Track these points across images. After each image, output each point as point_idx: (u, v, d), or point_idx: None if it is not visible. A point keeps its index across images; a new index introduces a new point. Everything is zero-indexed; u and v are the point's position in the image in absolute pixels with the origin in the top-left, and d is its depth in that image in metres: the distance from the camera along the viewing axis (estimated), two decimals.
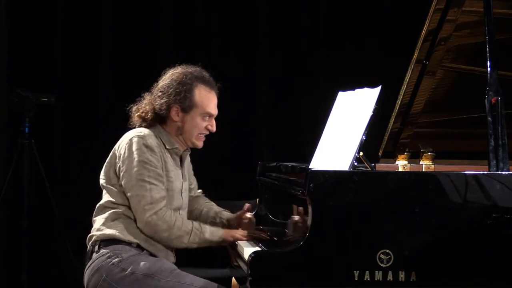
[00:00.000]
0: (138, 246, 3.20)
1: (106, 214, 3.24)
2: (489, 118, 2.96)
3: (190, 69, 3.37)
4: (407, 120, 3.59)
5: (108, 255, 3.16)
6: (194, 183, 3.61)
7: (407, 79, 3.47)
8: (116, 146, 3.30)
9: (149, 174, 3.18)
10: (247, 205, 3.47)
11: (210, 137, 3.45)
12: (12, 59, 4.99)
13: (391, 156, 3.69)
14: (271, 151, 5.19)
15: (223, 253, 3.50)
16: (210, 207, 3.60)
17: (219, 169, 5.14)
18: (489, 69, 3.02)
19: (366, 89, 3.09)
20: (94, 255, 3.20)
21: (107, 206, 3.26)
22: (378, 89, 3.00)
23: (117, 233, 3.19)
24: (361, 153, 2.93)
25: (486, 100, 2.98)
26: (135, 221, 3.21)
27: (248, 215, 3.46)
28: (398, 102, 3.53)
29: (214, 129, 3.37)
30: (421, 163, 3.61)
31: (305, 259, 2.72)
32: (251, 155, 4.94)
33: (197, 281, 3.12)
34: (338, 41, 5.24)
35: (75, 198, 4.94)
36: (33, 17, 5.04)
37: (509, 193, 2.83)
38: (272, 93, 5.25)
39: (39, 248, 4.88)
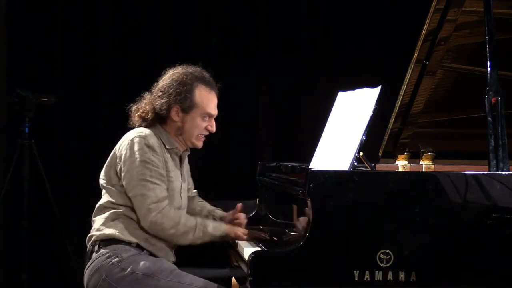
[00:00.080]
0: (138, 246, 3.20)
1: (106, 214, 3.24)
2: (489, 118, 2.96)
3: (190, 69, 3.37)
4: (407, 120, 3.59)
5: (108, 255, 3.16)
6: (191, 184, 3.61)
7: (407, 79, 3.47)
8: (117, 147, 3.30)
9: (152, 174, 3.18)
10: (239, 205, 3.47)
11: (210, 137, 3.45)
12: (12, 59, 4.99)
13: (391, 156, 3.69)
14: (271, 151, 5.19)
15: (223, 253, 3.50)
16: (203, 206, 3.61)
17: (219, 169, 5.14)
18: (489, 69, 3.02)
19: (366, 89, 3.09)
20: (94, 255, 3.20)
21: (106, 206, 3.26)
22: (378, 89, 3.00)
23: (116, 233, 3.19)
24: (361, 153, 2.93)
25: (486, 100, 2.98)
26: (135, 221, 3.21)
27: (241, 215, 3.44)
28: (398, 102, 3.53)
29: (214, 129, 3.37)
30: (421, 163, 3.61)
31: (305, 259, 2.72)
32: (251, 155, 4.94)
33: (197, 281, 3.11)
34: (338, 41, 5.24)
35: (75, 198, 4.94)
36: (33, 17, 5.04)
37: (509, 193, 2.83)
38: (272, 93, 5.25)
39: (39, 248, 4.88)
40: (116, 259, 3.14)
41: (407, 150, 3.66)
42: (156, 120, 3.32)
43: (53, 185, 4.81)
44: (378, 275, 2.72)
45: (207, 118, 3.34)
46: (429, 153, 3.59)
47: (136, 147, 3.20)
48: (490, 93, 2.98)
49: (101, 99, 5.10)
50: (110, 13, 5.12)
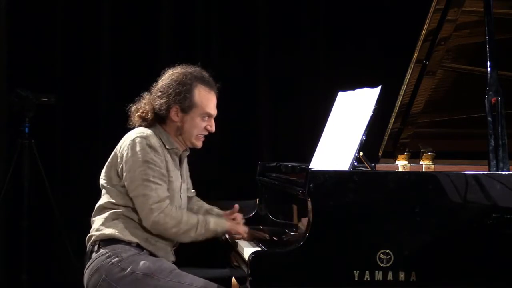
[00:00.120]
0: (138, 246, 3.20)
1: (105, 214, 3.24)
2: (489, 118, 2.96)
3: (189, 69, 3.37)
4: (407, 120, 3.59)
5: (107, 254, 3.16)
6: (190, 184, 3.61)
7: (407, 79, 3.47)
8: (117, 147, 3.30)
9: (154, 174, 3.18)
10: (235, 206, 3.46)
11: (210, 137, 3.45)
12: (12, 59, 4.99)
13: (391, 156, 3.69)
14: (271, 151, 5.19)
15: (223, 253, 3.50)
16: (201, 205, 3.60)
17: (219, 169, 5.14)
18: (489, 69, 3.02)
19: (366, 89, 3.09)
20: (94, 254, 3.20)
21: (106, 207, 3.26)
22: (378, 89, 3.00)
23: (116, 233, 3.19)
24: (361, 153, 2.93)
25: (486, 100, 2.98)
26: (134, 221, 3.21)
27: (238, 215, 3.44)
28: (398, 102, 3.53)
29: (213, 129, 3.36)
30: (421, 163, 3.61)
31: (305, 259, 2.72)
32: (251, 155, 4.94)
33: (197, 281, 3.11)
34: (338, 41, 5.24)
35: (75, 198, 4.94)
36: (33, 17, 5.04)
37: (509, 193, 2.83)
38: (272, 93, 5.26)
39: (39, 248, 4.88)
40: (116, 259, 3.14)
41: (407, 150, 3.66)
42: (156, 120, 3.32)
43: (53, 185, 4.82)
44: (378, 275, 2.72)
45: (207, 118, 3.34)
46: (429, 153, 3.59)
47: (138, 148, 3.20)
48: (490, 93, 2.98)
49: (101, 99, 5.10)
50: (110, 13, 5.12)
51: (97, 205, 3.31)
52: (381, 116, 3.10)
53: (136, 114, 3.33)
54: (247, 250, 2.99)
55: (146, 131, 3.26)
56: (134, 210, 3.21)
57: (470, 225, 2.80)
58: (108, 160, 3.31)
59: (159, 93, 3.30)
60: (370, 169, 3.05)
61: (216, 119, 3.39)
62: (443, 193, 2.79)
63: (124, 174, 3.20)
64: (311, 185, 2.74)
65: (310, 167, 3.16)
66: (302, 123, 5.17)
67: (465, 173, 2.85)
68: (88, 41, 5.09)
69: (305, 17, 5.30)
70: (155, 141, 3.23)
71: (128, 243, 3.19)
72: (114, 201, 3.24)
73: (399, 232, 2.76)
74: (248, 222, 3.44)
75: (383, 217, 2.77)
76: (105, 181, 3.29)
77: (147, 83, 3.40)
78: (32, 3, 5.04)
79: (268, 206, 3.64)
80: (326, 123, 3.32)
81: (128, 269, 3.10)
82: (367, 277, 2.72)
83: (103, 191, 3.30)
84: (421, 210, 2.77)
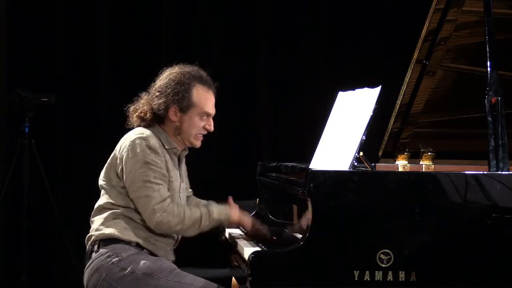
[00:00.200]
0: (138, 245, 3.20)
1: (105, 214, 3.24)
2: (489, 118, 2.96)
3: (187, 68, 3.36)
4: (407, 120, 3.60)
5: (107, 254, 3.16)
6: (188, 184, 3.60)
7: (407, 79, 3.47)
8: (117, 148, 3.29)
9: (155, 175, 3.18)
10: (230, 198, 3.47)
11: (210, 137, 3.45)
12: (12, 59, 4.99)
13: (391, 156, 3.69)
14: (271, 151, 5.19)
15: (223, 253, 3.51)
16: (198, 202, 3.59)
17: (219, 169, 5.14)
18: (489, 69, 3.02)
19: (366, 89, 3.09)
20: (94, 254, 3.20)
21: (106, 207, 3.26)
22: (378, 89, 3.00)
23: (116, 233, 3.19)
24: (361, 153, 2.93)
25: (486, 100, 2.98)
26: (134, 220, 3.21)
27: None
28: (398, 102, 3.53)
29: (212, 128, 3.36)
30: (421, 163, 3.61)
31: (305, 259, 2.72)
32: (251, 155, 4.94)
33: (197, 281, 3.12)
34: (338, 41, 5.24)
35: (75, 198, 4.94)
36: (33, 17, 5.04)
37: (509, 193, 2.83)
38: (272, 93, 5.25)
39: (39, 248, 4.88)
40: (116, 258, 3.14)
41: (407, 150, 3.66)
42: (155, 120, 3.32)
43: (53, 185, 4.82)
44: (378, 275, 2.72)
45: (205, 117, 3.34)
46: (429, 153, 3.59)
47: (137, 149, 3.19)
48: (490, 93, 2.98)
49: (101, 99, 5.10)
50: (110, 13, 5.12)
51: (96, 205, 3.31)
52: (381, 116, 3.10)
53: (135, 115, 3.33)
54: (247, 250, 2.99)
55: (145, 132, 3.26)
56: (134, 210, 3.21)
57: (470, 225, 2.80)
58: (108, 161, 3.31)
59: (157, 93, 3.30)
60: (370, 169, 3.05)
61: (216, 119, 3.39)
62: (443, 193, 2.79)
63: (125, 176, 3.20)
64: (311, 185, 2.74)
65: (310, 167, 3.16)
66: (302, 123, 5.17)
67: (465, 173, 2.85)
68: (88, 41, 5.09)
69: (305, 17, 5.30)
70: (154, 142, 3.23)
71: (128, 243, 3.19)
72: (113, 201, 3.24)
73: (399, 232, 2.76)
74: None
75: (383, 217, 2.77)
76: (105, 182, 3.29)
77: (147, 83, 3.40)
78: (32, 3, 5.04)
79: (268, 206, 3.64)
80: (326, 123, 3.32)
81: (128, 268, 3.11)
82: (367, 277, 2.72)
83: (102, 191, 3.30)
84: (421, 210, 2.77)
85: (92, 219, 3.30)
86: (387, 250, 2.73)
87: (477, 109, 3.25)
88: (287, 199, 3.21)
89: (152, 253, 3.22)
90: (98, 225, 3.24)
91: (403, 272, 2.73)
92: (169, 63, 3.43)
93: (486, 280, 2.80)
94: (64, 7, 5.07)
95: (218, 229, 3.52)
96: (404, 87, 3.49)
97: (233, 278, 3.53)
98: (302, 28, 5.30)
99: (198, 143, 3.36)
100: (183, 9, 5.18)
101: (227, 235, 3.53)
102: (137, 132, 3.27)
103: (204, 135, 3.37)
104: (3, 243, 4.97)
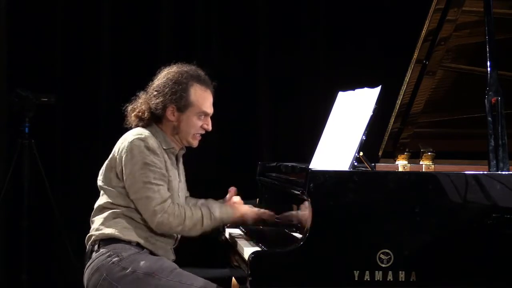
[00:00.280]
0: (138, 245, 3.20)
1: (105, 214, 3.24)
2: (489, 118, 2.96)
3: (185, 67, 3.36)
4: (407, 120, 3.59)
5: (108, 254, 3.16)
6: (185, 184, 3.60)
7: (407, 79, 3.47)
8: (115, 148, 3.29)
9: (155, 176, 3.17)
10: (233, 189, 3.46)
11: (210, 137, 3.45)
12: (12, 59, 4.99)
13: (391, 156, 3.69)
14: (271, 151, 5.19)
15: (223, 253, 3.51)
16: (195, 202, 3.57)
17: (219, 169, 5.14)
18: (489, 69, 3.02)
19: (366, 89, 3.09)
20: (94, 254, 3.20)
21: (106, 206, 3.26)
22: (378, 89, 3.00)
23: (116, 232, 3.19)
24: (361, 153, 2.93)
25: (486, 100, 2.98)
26: (134, 220, 3.21)
27: (235, 198, 3.44)
28: (398, 102, 3.53)
29: (210, 128, 3.36)
30: (421, 163, 3.61)
31: (305, 259, 2.72)
32: (251, 155, 4.94)
33: (198, 281, 3.12)
34: (338, 41, 5.24)
35: (75, 198, 4.94)
36: (33, 17, 5.04)
37: (509, 193, 2.83)
38: (272, 93, 5.25)
39: (39, 248, 4.88)
40: (117, 258, 3.14)
41: (407, 150, 3.66)
42: (152, 120, 3.31)
43: (53, 185, 4.81)
44: (378, 275, 2.72)
45: (203, 117, 3.33)
46: (429, 153, 3.59)
47: (136, 150, 3.19)
48: (490, 93, 2.98)
49: (101, 99, 5.10)
50: (110, 13, 5.12)
51: (96, 205, 3.31)
52: (381, 116, 3.10)
53: (133, 114, 3.33)
54: (247, 250, 2.99)
55: (143, 133, 3.26)
56: (135, 210, 3.21)
57: (470, 225, 2.80)
58: (106, 162, 3.30)
59: (155, 92, 3.30)
60: (370, 169, 3.05)
61: (215, 119, 3.38)
62: (443, 193, 2.79)
63: (125, 177, 3.20)
64: (311, 185, 2.74)
65: (310, 167, 3.16)
66: (302, 123, 5.17)
67: (465, 173, 2.85)
68: (88, 41, 5.09)
69: (305, 17, 5.30)
70: (153, 142, 3.22)
71: (128, 242, 3.19)
72: (114, 201, 3.24)
73: (399, 232, 2.76)
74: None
75: (383, 217, 2.77)
76: (104, 182, 3.28)
77: (147, 83, 3.40)
78: (32, 3, 5.04)
79: (268, 206, 3.64)
80: (326, 123, 3.32)
81: (129, 268, 3.11)
82: (367, 277, 2.72)
83: (101, 191, 3.30)
84: (421, 210, 2.77)
85: (93, 219, 3.30)
86: (387, 250, 2.73)
87: (477, 109, 3.25)
88: (287, 199, 3.21)
89: (152, 253, 3.22)
90: (98, 225, 3.24)
91: (403, 272, 2.73)
92: (168, 64, 3.43)
93: (486, 280, 2.80)
94: (64, 7, 5.07)
95: (218, 229, 3.52)
96: (404, 87, 3.49)
97: (233, 278, 3.53)
98: (302, 28, 5.30)
99: (195, 143, 3.36)
100: (183, 9, 5.18)
101: (227, 235, 3.53)
102: (135, 133, 3.26)
103: (203, 135, 3.37)
104: (3, 243, 4.97)
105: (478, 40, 3.37)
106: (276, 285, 2.73)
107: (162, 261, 3.17)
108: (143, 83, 3.43)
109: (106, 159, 3.32)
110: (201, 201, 3.53)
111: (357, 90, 3.18)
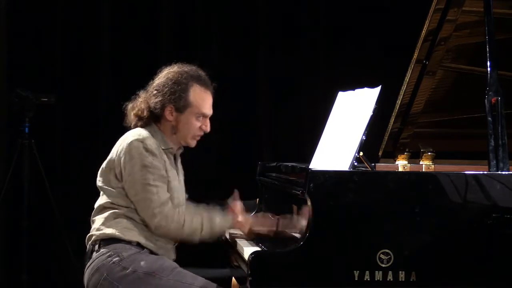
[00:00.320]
0: (138, 245, 3.19)
1: (105, 214, 3.24)
2: (489, 118, 2.96)
3: (186, 68, 3.35)
4: (407, 120, 3.59)
5: (108, 254, 3.15)
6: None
7: (407, 79, 3.47)
8: (114, 149, 3.28)
9: (154, 177, 3.17)
10: (236, 193, 3.45)
11: (210, 137, 3.44)
12: (12, 59, 4.99)
13: (391, 156, 3.69)
14: (271, 151, 5.19)
15: (223, 253, 3.50)
16: (196, 207, 3.53)
17: (219, 169, 5.14)
18: (489, 69, 3.02)
19: (366, 89, 3.09)
20: (94, 254, 3.20)
21: (106, 206, 3.25)
22: (378, 89, 3.00)
23: (116, 232, 3.19)
24: (361, 153, 2.93)
25: (486, 100, 2.98)
26: (135, 220, 3.21)
27: (237, 203, 3.41)
28: (398, 102, 3.53)
29: (208, 129, 3.35)
30: (421, 163, 3.61)
31: (305, 259, 2.72)
32: (251, 155, 4.94)
33: (198, 281, 3.11)
34: (338, 41, 5.24)
35: (75, 198, 4.94)
36: (33, 17, 5.04)
37: (509, 193, 2.83)
38: (272, 93, 5.26)
39: (39, 248, 4.88)
40: (117, 258, 3.14)
41: (407, 150, 3.66)
42: (151, 119, 3.31)
43: (53, 185, 4.81)
44: (378, 275, 2.72)
45: (201, 118, 3.32)
46: (429, 153, 3.59)
47: (135, 152, 3.18)
48: (490, 93, 2.98)
49: (101, 99, 5.10)
50: (110, 13, 5.12)
51: (96, 205, 3.30)
52: (381, 116, 3.10)
53: (132, 113, 3.33)
54: (247, 250, 2.99)
55: (142, 133, 3.25)
56: (135, 210, 3.21)
57: (470, 225, 2.80)
58: (105, 162, 3.29)
59: (155, 92, 3.29)
60: (370, 169, 3.05)
61: (216, 119, 3.38)
62: (443, 193, 2.79)
63: (124, 179, 3.20)
64: (311, 185, 2.74)
65: (310, 167, 3.16)
66: (302, 123, 5.17)
67: (465, 173, 2.85)
68: (88, 41, 5.10)
69: (305, 17, 5.30)
70: (151, 143, 3.22)
71: (129, 242, 3.18)
72: (114, 201, 3.23)
73: (399, 232, 2.76)
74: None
75: (383, 217, 2.77)
76: (103, 183, 3.28)
77: (147, 83, 3.40)
78: (32, 3, 5.04)
79: (268, 206, 3.64)
80: (326, 123, 3.32)
81: (130, 268, 3.10)
82: (367, 277, 2.72)
83: (101, 191, 3.30)
84: (421, 210, 2.77)
85: (93, 218, 3.29)
86: (387, 250, 2.73)
87: (477, 109, 3.25)
88: (287, 199, 3.21)
89: (152, 252, 3.21)
90: (99, 225, 3.24)
91: (403, 272, 2.73)
92: (169, 63, 3.43)
93: (486, 280, 2.80)
94: (64, 7, 5.08)
95: (218, 239, 3.50)
96: (404, 87, 3.49)
97: (233, 278, 3.53)
98: (302, 28, 5.30)
99: (193, 143, 3.35)
100: (183, 9, 5.18)
101: (227, 235, 3.53)
102: (134, 134, 3.25)
103: (203, 135, 3.36)
104: (3, 243, 4.97)
105: (478, 40, 3.37)
106: (276, 285, 2.73)
107: (162, 261, 3.17)
108: (143, 83, 3.42)
109: (106, 159, 3.32)
110: (202, 206, 3.52)
111: (357, 90, 3.18)
